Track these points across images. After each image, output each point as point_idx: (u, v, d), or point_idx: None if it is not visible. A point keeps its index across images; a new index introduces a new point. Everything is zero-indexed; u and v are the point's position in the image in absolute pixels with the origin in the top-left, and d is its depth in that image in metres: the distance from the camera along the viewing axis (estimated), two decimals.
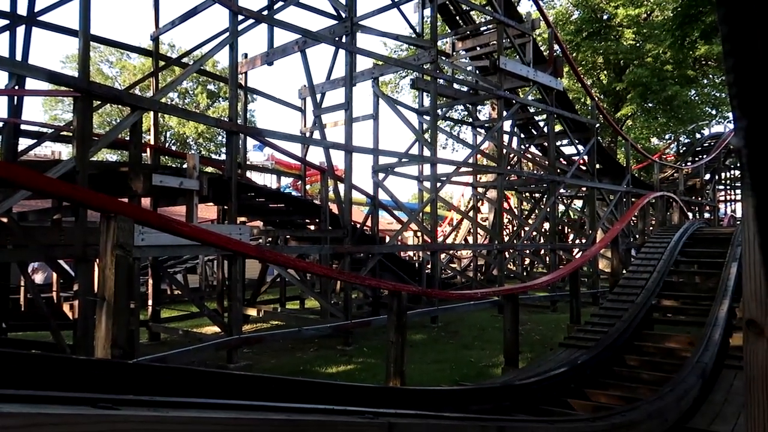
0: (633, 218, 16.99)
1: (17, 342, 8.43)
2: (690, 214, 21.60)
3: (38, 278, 13.00)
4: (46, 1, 8.89)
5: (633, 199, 17.76)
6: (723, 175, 29.90)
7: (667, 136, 30.61)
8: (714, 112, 27.52)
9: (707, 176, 26.36)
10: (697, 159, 27.65)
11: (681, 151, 31.01)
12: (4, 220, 7.13)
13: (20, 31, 8.43)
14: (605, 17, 24.02)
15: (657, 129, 27.36)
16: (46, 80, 6.90)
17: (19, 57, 8.28)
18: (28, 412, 1.01)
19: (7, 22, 8.42)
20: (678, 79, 23.12)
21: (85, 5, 6.64)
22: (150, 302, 10.51)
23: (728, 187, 32.34)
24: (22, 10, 8.53)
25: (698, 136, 30.83)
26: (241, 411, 1.48)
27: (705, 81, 26.26)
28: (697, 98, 26.45)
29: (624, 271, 9.74)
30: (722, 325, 6.21)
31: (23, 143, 9.03)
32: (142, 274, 11.23)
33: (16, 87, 7.84)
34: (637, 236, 16.39)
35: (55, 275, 10.07)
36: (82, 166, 6.43)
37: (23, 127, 8.63)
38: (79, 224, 6.74)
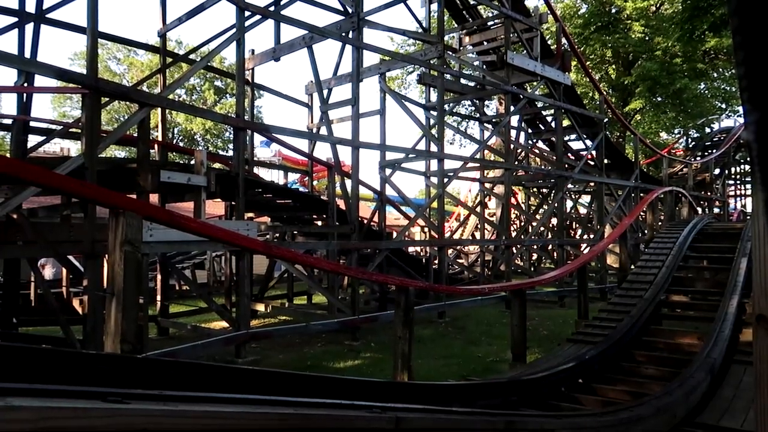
0: (641, 213, 16.90)
1: (28, 337, 8.51)
2: (699, 210, 21.45)
3: (47, 273, 13.10)
4: None
5: (641, 195, 17.65)
6: (733, 169, 29.66)
7: (676, 131, 30.40)
8: (724, 105, 27.29)
9: (717, 171, 26.15)
10: (706, 153, 27.44)
11: (690, 145, 30.79)
12: (15, 216, 7.18)
13: (29, 28, 8.47)
14: (614, 10, 23.84)
15: (666, 123, 27.17)
16: (55, 77, 6.93)
17: (27, 54, 8.33)
18: (39, 405, 1.02)
19: (15, 19, 8.46)
20: (687, 73, 22.91)
21: (93, 3, 6.66)
22: (158, 298, 10.58)
23: (738, 182, 32.09)
24: (30, 7, 8.57)
25: (708, 130, 30.58)
26: (249, 405, 1.49)
27: (715, 74, 26.02)
28: (706, 92, 26.23)
29: (632, 267, 9.69)
30: (731, 321, 6.17)
31: (32, 140, 9.10)
32: (150, 269, 11.29)
33: (25, 84, 7.89)
34: (646, 231, 16.30)
35: (64, 271, 10.15)
36: (91, 162, 6.46)
37: (32, 124, 8.68)
38: (88, 220, 6.78)
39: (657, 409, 3.91)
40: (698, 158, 26.60)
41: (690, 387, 4.42)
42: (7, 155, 9.80)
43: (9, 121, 8.74)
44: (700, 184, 24.43)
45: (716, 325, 6.04)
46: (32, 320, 9.58)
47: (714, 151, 26.60)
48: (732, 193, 32.15)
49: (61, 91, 28.23)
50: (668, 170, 22.06)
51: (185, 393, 1.45)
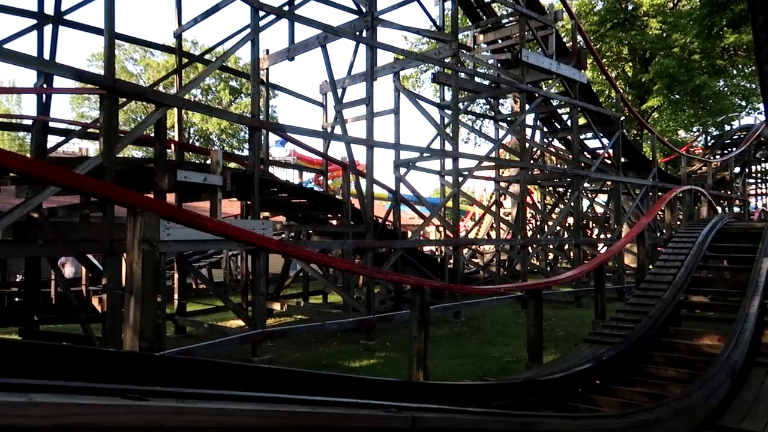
0: (659, 213, 16.70)
1: (49, 334, 8.64)
2: (719, 209, 21.14)
3: (67, 272, 13.29)
4: (72, 0, 9.04)
5: (659, 193, 17.44)
6: (753, 168, 29.19)
7: (694, 129, 29.98)
8: (744, 103, 26.86)
9: (737, 169, 25.75)
10: (726, 152, 27.02)
11: (709, 143, 30.35)
12: (35, 215, 7.29)
13: (47, 30, 8.60)
14: (630, 7, 23.58)
15: (684, 121, 26.81)
16: (73, 78, 7.02)
17: (47, 56, 8.45)
18: (61, 401, 1.03)
19: (35, 21, 8.59)
20: (706, 70, 22.59)
21: (109, 4, 6.73)
22: (176, 296, 10.68)
23: (759, 181, 31.58)
24: (49, 9, 8.70)
25: (727, 128, 30.13)
26: (266, 403, 1.49)
27: (734, 71, 25.61)
28: (726, 89, 25.83)
29: (650, 267, 9.58)
30: (753, 322, 6.06)
31: (52, 140, 9.23)
32: (167, 268, 11.40)
33: (45, 85, 8.00)
34: (664, 231, 16.10)
35: (84, 269, 10.29)
36: (109, 162, 6.54)
37: (52, 124, 8.81)
38: (106, 220, 6.86)
39: (676, 411, 3.86)
40: (717, 156, 26.20)
41: (710, 389, 4.35)
42: (28, 155, 9.95)
43: (29, 122, 8.88)
44: (720, 182, 24.07)
45: (737, 327, 5.94)
46: (53, 318, 9.72)
47: (734, 149, 26.18)
48: (753, 192, 31.64)
49: (80, 91, 28.66)
50: (687, 169, 21.77)
51: (202, 391, 1.46)
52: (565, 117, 18.02)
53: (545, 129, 18.54)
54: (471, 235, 21.33)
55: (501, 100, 18.34)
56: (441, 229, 18.98)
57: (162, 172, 7.37)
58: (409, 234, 15.53)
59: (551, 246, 18.19)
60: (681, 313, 7.55)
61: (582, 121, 16.22)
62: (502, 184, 17.89)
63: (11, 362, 1.47)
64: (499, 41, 16.01)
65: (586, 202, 19.59)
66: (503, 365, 7.72)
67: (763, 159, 29.22)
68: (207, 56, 14.71)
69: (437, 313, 10.69)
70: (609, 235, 16.73)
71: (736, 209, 25.39)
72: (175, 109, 10.65)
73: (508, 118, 17.27)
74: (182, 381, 1.81)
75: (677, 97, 24.22)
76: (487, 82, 16.35)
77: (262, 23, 8.98)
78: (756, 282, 7.14)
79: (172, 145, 11.05)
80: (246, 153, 14.22)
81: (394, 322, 10.09)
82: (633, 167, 19.14)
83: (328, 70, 11.68)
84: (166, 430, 1.16)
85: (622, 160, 17.16)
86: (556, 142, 19.32)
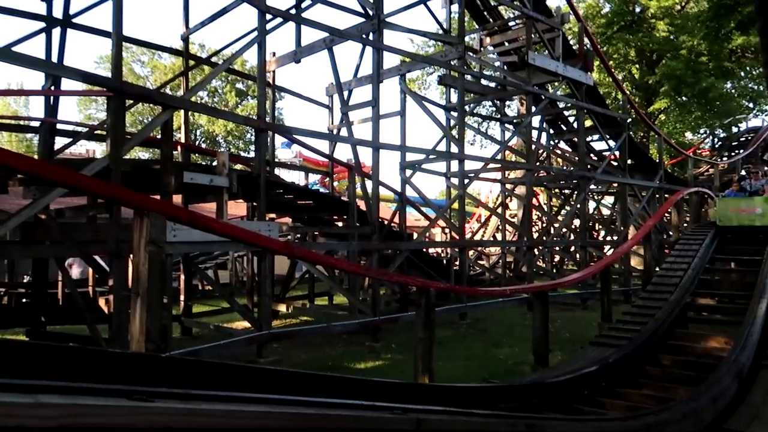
0: (666, 215, 16.61)
1: (55, 335, 8.68)
2: None
3: (74, 273, 13.34)
4: (80, 3, 9.11)
5: (666, 195, 17.36)
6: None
7: (701, 131, 29.80)
8: (751, 105, 26.68)
9: (744, 171, 25.59)
10: (733, 154, 26.87)
11: (716, 145, 30.18)
12: (43, 216, 7.34)
13: (56, 33, 8.66)
14: (638, 9, 23.49)
15: (691, 123, 26.64)
16: (81, 80, 7.06)
17: (54, 58, 8.51)
18: (67, 402, 1.03)
19: (43, 24, 8.65)
20: (713, 72, 22.46)
21: (117, 7, 6.78)
22: (182, 297, 10.70)
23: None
24: (57, 12, 8.76)
25: (735, 130, 29.94)
26: (272, 405, 1.49)
27: (742, 73, 25.46)
28: (733, 91, 25.68)
29: (657, 269, 9.53)
30: (760, 324, 6.02)
31: (59, 142, 9.29)
32: (174, 269, 11.43)
33: (52, 87, 8.07)
34: (671, 233, 16.02)
35: (90, 270, 10.34)
36: (116, 163, 6.57)
37: (59, 126, 8.87)
38: (113, 221, 6.89)
39: (683, 414, 3.83)
40: (725, 158, 26.06)
41: (717, 392, 4.33)
42: (35, 157, 10.02)
43: (37, 124, 8.94)
44: (727, 184, 23.92)
45: (744, 329, 5.89)
46: (59, 319, 9.76)
47: (741, 151, 26.03)
48: None
49: (87, 94, 28.75)
50: (694, 171, 21.66)
51: (208, 392, 1.46)
52: (571, 119, 17.96)
53: (551, 131, 18.49)
54: (477, 237, 21.28)
55: (507, 102, 18.29)
56: (447, 231, 18.96)
57: (168, 173, 7.39)
58: (415, 236, 15.52)
59: (557, 248, 18.12)
60: (688, 315, 7.52)
61: (588, 123, 16.17)
62: (508, 186, 17.85)
63: (18, 363, 1.48)
64: (506, 44, 15.99)
65: (592, 204, 19.51)
66: (509, 367, 7.70)
67: None
68: (214, 59, 14.78)
69: (443, 314, 10.66)
70: (615, 237, 16.66)
71: None
72: (182, 111, 10.69)
73: (515, 120, 17.24)
74: (188, 382, 1.82)
75: (684, 99, 24.07)
76: (493, 85, 16.34)
77: (269, 26, 9.01)
78: (763, 284, 7.10)
79: (179, 147, 11.08)
80: (252, 155, 14.26)
81: (400, 323, 10.08)
82: (640, 169, 19.06)
83: (335, 72, 11.69)
84: (172, 431, 1.17)
85: (629, 162, 17.09)
86: (562, 144, 19.25)
